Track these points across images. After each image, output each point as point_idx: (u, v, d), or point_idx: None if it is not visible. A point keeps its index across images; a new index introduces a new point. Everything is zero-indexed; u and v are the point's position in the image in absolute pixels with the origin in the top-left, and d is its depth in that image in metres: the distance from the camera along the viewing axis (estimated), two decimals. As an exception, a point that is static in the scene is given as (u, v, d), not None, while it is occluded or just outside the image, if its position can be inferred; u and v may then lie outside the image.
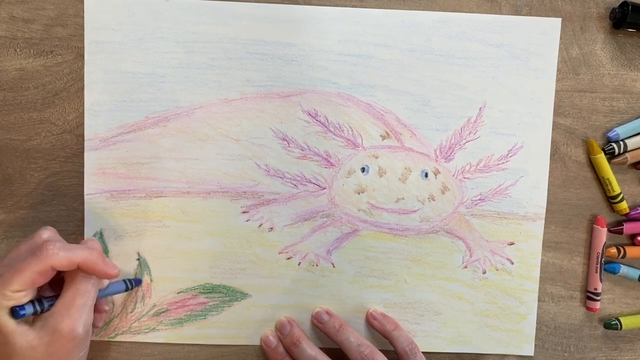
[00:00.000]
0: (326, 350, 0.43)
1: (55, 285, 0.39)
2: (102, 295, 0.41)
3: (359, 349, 0.42)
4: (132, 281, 0.43)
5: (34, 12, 0.43)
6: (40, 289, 0.38)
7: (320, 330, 0.44)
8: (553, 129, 0.45)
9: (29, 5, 0.43)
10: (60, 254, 0.35)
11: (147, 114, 0.43)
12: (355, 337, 0.42)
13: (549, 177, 0.45)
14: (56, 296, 0.37)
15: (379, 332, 0.44)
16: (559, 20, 0.44)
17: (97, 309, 0.41)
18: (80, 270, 0.37)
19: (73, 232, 0.44)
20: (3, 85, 0.44)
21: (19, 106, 0.44)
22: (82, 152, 0.44)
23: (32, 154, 0.44)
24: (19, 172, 0.44)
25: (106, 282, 0.41)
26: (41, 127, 0.44)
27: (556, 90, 0.45)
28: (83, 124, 0.44)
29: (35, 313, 0.36)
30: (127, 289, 0.43)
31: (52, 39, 0.43)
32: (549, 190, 0.45)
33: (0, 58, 0.43)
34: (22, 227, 0.44)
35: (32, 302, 0.36)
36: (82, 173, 0.44)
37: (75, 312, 0.36)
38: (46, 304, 0.36)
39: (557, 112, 0.45)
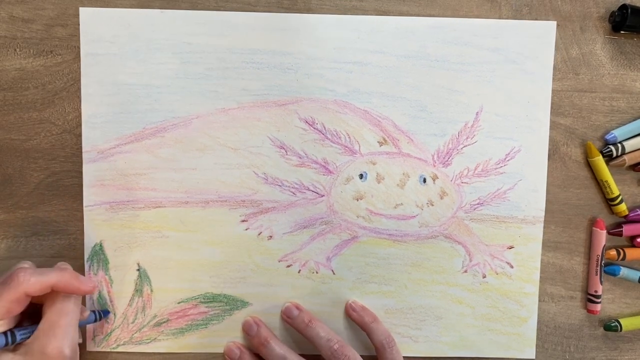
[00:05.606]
0: (312, 358, 0.43)
1: (35, 317, 0.38)
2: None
3: (329, 344, 0.41)
4: (101, 312, 0.43)
5: (34, 12, 0.43)
6: (19, 321, 0.37)
7: (290, 325, 0.44)
8: (553, 129, 0.45)
9: (29, 5, 0.43)
10: (31, 279, 0.35)
11: (145, 125, 0.44)
12: (325, 332, 0.42)
13: (549, 177, 0.45)
14: (31, 327, 0.36)
15: (357, 323, 0.44)
16: (554, 23, 0.44)
17: None
18: (59, 292, 0.37)
19: (73, 232, 0.44)
20: (3, 85, 0.43)
21: (19, 106, 0.44)
22: (82, 152, 0.44)
23: (32, 154, 0.44)
24: (19, 172, 0.44)
25: (87, 313, 0.41)
26: (41, 127, 0.44)
27: (556, 90, 0.45)
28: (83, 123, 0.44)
29: (6, 344, 0.35)
30: (96, 320, 0.43)
31: (52, 39, 0.43)
32: (548, 190, 0.45)
33: (0, 58, 0.43)
34: (22, 227, 0.44)
35: (4, 333, 0.35)
36: (82, 173, 0.44)
37: (60, 332, 0.35)
38: (18, 336, 0.35)
39: (557, 112, 0.45)
